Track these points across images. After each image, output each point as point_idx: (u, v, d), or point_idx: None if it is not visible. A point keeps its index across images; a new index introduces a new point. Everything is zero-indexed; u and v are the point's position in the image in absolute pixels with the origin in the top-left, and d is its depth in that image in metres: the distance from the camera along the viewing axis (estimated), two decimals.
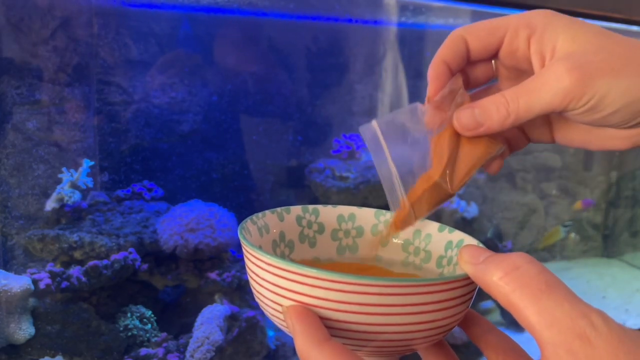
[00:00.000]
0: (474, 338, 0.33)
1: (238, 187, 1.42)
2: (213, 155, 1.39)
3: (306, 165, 1.46)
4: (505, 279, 0.24)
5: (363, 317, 0.25)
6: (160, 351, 1.02)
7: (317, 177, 1.39)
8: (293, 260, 0.30)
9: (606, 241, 2.14)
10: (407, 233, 0.38)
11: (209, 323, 1.01)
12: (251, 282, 0.31)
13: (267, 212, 0.37)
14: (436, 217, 1.57)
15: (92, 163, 1.14)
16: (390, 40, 1.62)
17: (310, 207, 0.38)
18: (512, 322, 1.51)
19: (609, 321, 0.23)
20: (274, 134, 1.47)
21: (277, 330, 1.26)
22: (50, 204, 1.11)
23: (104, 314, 1.06)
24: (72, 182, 1.11)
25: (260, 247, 0.29)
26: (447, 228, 0.36)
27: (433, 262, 0.37)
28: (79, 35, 1.18)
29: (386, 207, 0.37)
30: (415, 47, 1.68)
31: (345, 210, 0.39)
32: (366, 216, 0.39)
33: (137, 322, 1.08)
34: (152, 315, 1.11)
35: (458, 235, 0.35)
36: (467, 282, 0.27)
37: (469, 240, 0.35)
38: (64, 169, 1.11)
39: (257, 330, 1.07)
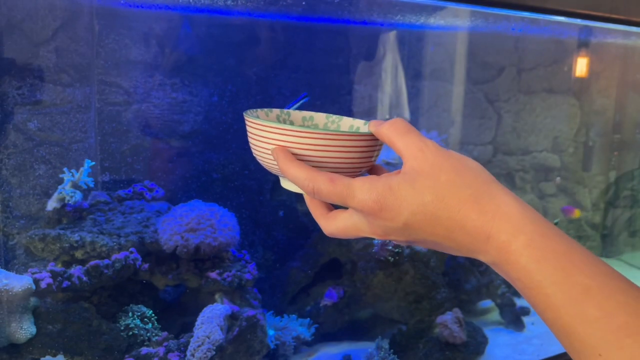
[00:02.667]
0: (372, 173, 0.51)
1: (238, 187, 1.42)
2: (213, 155, 1.39)
3: None
4: (388, 128, 0.44)
5: (316, 152, 0.45)
6: (161, 350, 1.02)
7: None
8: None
9: (605, 241, 2.14)
10: (344, 127, 0.56)
11: (210, 322, 1.02)
12: (252, 141, 0.49)
13: (258, 110, 0.53)
14: None
15: (93, 163, 1.14)
16: (390, 40, 1.62)
17: (285, 110, 0.56)
18: (511, 322, 1.52)
19: (435, 143, 0.42)
20: None
21: (277, 329, 1.26)
22: (52, 204, 1.11)
23: (105, 313, 1.07)
24: (73, 182, 1.11)
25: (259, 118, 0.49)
26: (368, 123, 0.54)
27: None
28: (79, 35, 1.18)
29: None
30: (415, 47, 1.69)
31: (307, 113, 0.57)
32: (320, 118, 0.57)
33: (138, 322, 1.08)
34: (153, 315, 1.11)
35: (361, 121, 0.56)
36: (369, 137, 0.46)
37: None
38: (65, 169, 1.11)
39: (257, 330, 1.08)
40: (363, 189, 0.41)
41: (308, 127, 0.47)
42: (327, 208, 0.48)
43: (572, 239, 0.39)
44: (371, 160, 0.48)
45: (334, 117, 0.58)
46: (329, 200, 0.44)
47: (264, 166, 0.50)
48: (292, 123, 0.56)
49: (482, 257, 0.40)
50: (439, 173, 0.41)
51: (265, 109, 0.55)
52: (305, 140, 0.45)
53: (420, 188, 0.40)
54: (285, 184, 0.50)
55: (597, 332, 0.35)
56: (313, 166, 0.45)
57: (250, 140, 0.49)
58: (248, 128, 0.49)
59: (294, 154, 0.45)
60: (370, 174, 0.51)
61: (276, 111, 0.56)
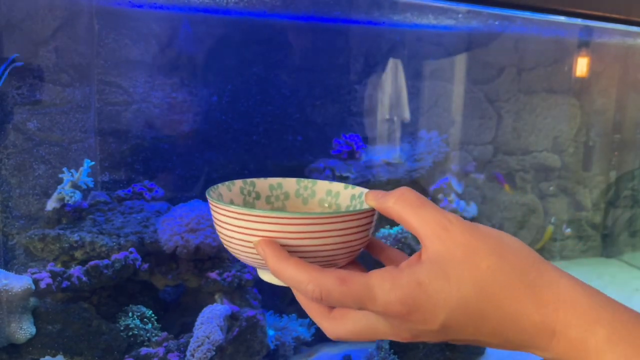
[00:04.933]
0: (375, 254, 0.44)
1: None
2: (213, 155, 1.39)
3: (306, 165, 1.47)
4: (396, 202, 0.36)
5: (311, 240, 0.37)
6: (160, 350, 1.02)
7: (317, 177, 1.40)
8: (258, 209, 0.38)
9: (605, 241, 2.14)
10: (320, 192, 0.49)
11: (210, 322, 1.02)
12: (222, 230, 0.39)
13: (219, 185, 0.45)
14: None
15: (92, 163, 1.14)
16: (390, 40, 1.62)
17: (249, 180, 0.47)
18: None
19: (459, 218, 0.35)
20: (274, 134, 1.47)
21: (277, 329, 1.26)
22: (51, 204, 1.11)
23: (104, 313, 1.06)
24: (72, 182, 1.11)
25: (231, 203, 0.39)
26: (350, 186, 0.47)
27: (342, 210, 0.48)
28: (79, 35, 1.18)
29: None
30: (415, 47, 1.69)
31: (274, 180, 0.48)
32: (290, 184, 0.49)
33: (137, 322, 1.08)
34: (153, 315, 1.11)
35: (359, 190, 0.46)
36: (371, 212, 0.39)
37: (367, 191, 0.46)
38: (64, 169, 1.11)
39: (257, 330, 1.08)
40: (384, 288, 0.33)
41: (301, 213, 0.37)
42: (327, 306, 0.39)
43: None
44: (368, 236, 0.41)
45: (306, 181, 0.49)
46: (340, 305, 0.35)
47: (239, 258, 0.41)
48: (258, 195, 0.48)
49: (540, 354, 0.33)
50: (477, 258, 0.33)
51: (227, 183, 0.46)
52: (299, 228, 0.36)
53: (457, 279, 0.32)
54: (267, 276, 0.42)
55: None
56: (306, 257, 0.37)
57: (220, 228, 0.40)
58: (217, 215, 0.40)
59: (284, 245, 0.36)
60: (367, 249, 0.43)
61: (239, 183, 0.47)
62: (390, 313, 0.33)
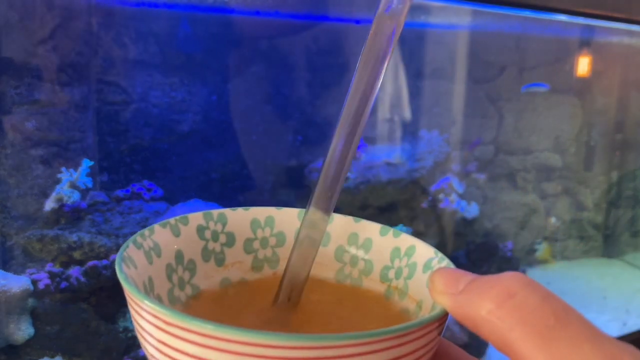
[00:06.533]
0: None
1: (238, 187, 1.42)
2: (213, 155, 1.39)
3: (306, 165, 1.46)
4: (497, 312, 0.18)
5: None
6: None
7: (317, 177, 1.39)
8: (177, 310, 0.19)
9: (607, 241, 2.13)
10: (339, 236, 0.30)
11: None
12: (140, 340, 0.22)
13: (155, 226, 0.27)
14: (436, 217, 1.57)
15: (91, 163, 1.13)
16: None
17: (215, 212, 0.29)
18: None
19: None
20: (274, 134, 1.47)
21: None
22: (50, 204, 1.11)
23: (103, 314, 1.06)
24: (71, 182, 1.11)
25: (144, 292, 0.21)
26: (391, 229, 0.29)
27: (376, 275, 0.29)
28: (78, 34, 1.18)
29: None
30: (415, 47, 1.68)
31: (261, 213, 0.30)
32: (288, 219, 0.30)
33: None
34: None
35: (409, 240, 0.28)
36: (437, 324, 0.20)
37: (424, 248, 0.27)
38: (63, 169, 1.11)
39: None
40: None
41: (266, 334, 0.18)
42: None
43: None
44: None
45: None
46: None
47: None
48: (230, 239, 0.30)
49: None
50: None
51: (173, 220, 0.28)
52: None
53: None
54: None
55: None
56: None
57: (138, 335, 0.22)
58: (131, 310, 0.22)
59: None
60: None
61: (196, 218, 0.29)
62: None
